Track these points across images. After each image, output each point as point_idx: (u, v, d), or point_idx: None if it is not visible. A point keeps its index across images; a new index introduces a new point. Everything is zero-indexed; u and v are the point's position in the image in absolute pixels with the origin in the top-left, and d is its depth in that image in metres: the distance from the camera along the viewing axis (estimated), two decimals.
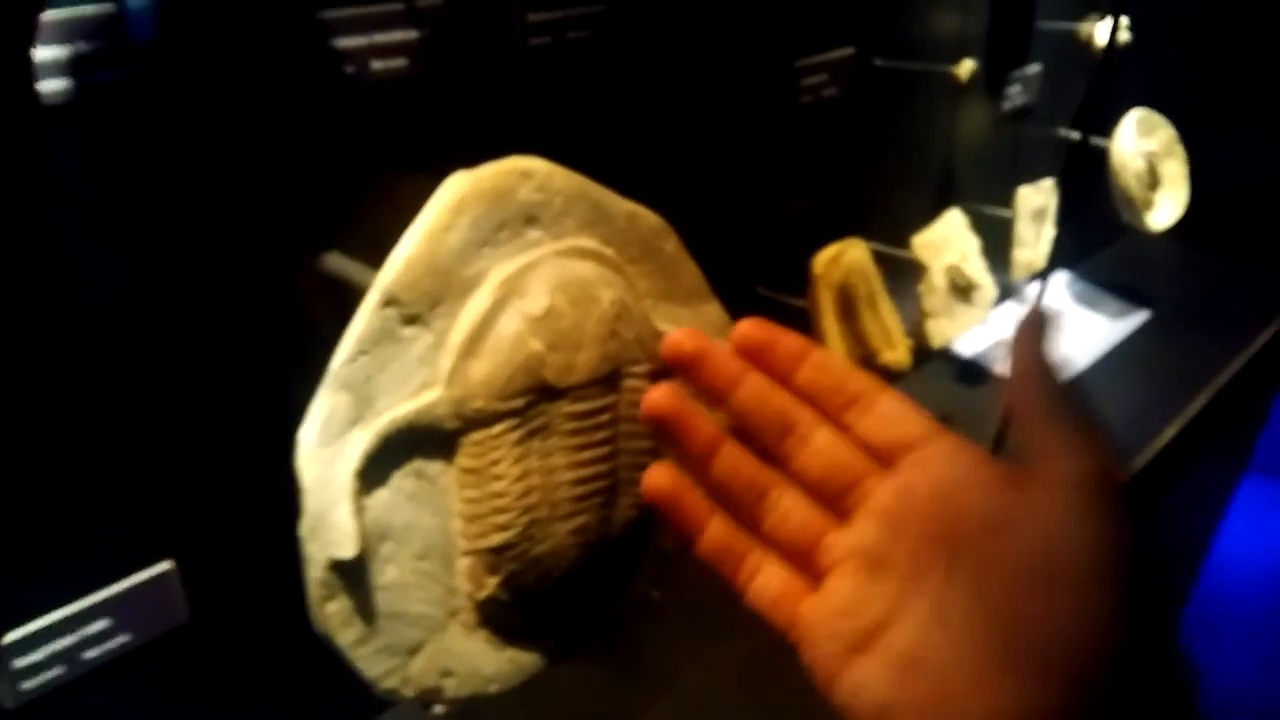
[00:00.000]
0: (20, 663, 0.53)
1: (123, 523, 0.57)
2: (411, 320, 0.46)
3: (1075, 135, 1.29)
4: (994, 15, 1.10)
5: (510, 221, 0.48)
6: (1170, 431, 1.20)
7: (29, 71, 0.46)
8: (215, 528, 0.60)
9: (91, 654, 0.56)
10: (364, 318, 0.45)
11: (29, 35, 0.45)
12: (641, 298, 0.54)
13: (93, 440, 0.54)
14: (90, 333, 0.52)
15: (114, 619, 0.57)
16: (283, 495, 0.46)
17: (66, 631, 0.55)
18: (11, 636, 0.53)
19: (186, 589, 0.59)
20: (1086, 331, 1.40)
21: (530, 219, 0.49)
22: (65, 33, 0.46)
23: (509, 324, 0.48)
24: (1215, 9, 1.54)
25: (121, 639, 0.57)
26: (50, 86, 0.47)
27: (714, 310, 0.59)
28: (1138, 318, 1.43)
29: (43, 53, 0.46)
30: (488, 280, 0.48)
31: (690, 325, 0.56)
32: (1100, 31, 1.18)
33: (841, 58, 0.91)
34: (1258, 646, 2.08)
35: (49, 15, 0.46)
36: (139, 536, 0.58)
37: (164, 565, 0.58)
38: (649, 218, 0.55)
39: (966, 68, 0.99)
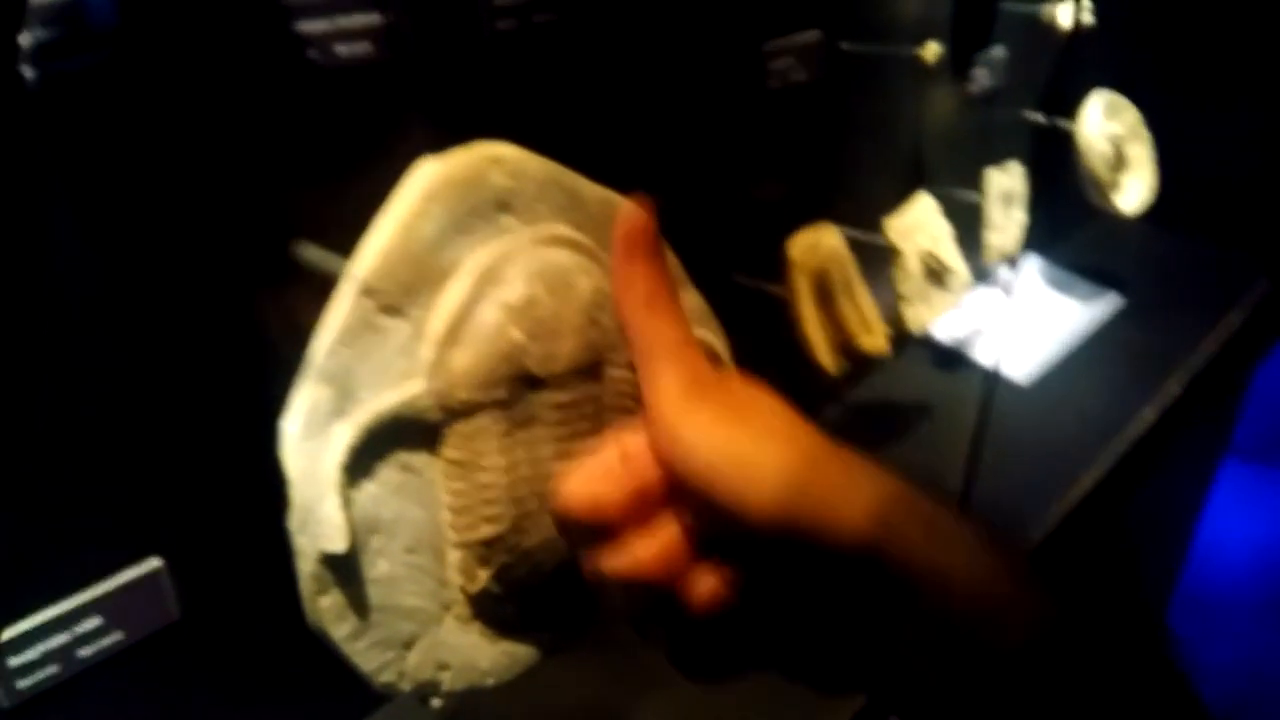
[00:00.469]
0: (14, 661, 0.53)
1: (110, 520, 0.57)
2: (389, 310, 0.46)
3: (1041, 118, 1.30)
4: None
5: (483, 208, 0.48)
6: (1148, 416, 1.21)
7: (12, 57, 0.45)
8: (204, 524, 0.60)
9: (85, 652, 0.56)
10: (341, 308, 0.45)
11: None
12: None
13: (78, 438, 0.54)
14: (73, 329, 0.52)
15: (105, 617, 0.57)
16: (270, 490, 0.46)
17: (59, 630, 0.55)
18: (5, 635, 0.53)
19: (177, 586, 0.59)
20: (1059, 316, 1.41)
21: (503, 205, 0.49)
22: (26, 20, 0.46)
23: (488, 314, 0.48)
24: None
25: (114, 637, 0.57)
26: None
27: (692, 298, 0.59)
28: (1110, 301, 1.45)
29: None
30: (464, 269, 0.48)
31: None
32: (1063, 14, 1.20)
33: (809, 42, 0.91)
34: (1242, 630, 2.10)
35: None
36: (127, 533, 0.57)
37: (154, 562, 0.58)
38: (623, 204, 0.55)
39: (932, 51, 1.00)
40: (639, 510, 0.42)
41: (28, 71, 0.46)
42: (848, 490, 0.38)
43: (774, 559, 0.39)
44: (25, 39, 0.46)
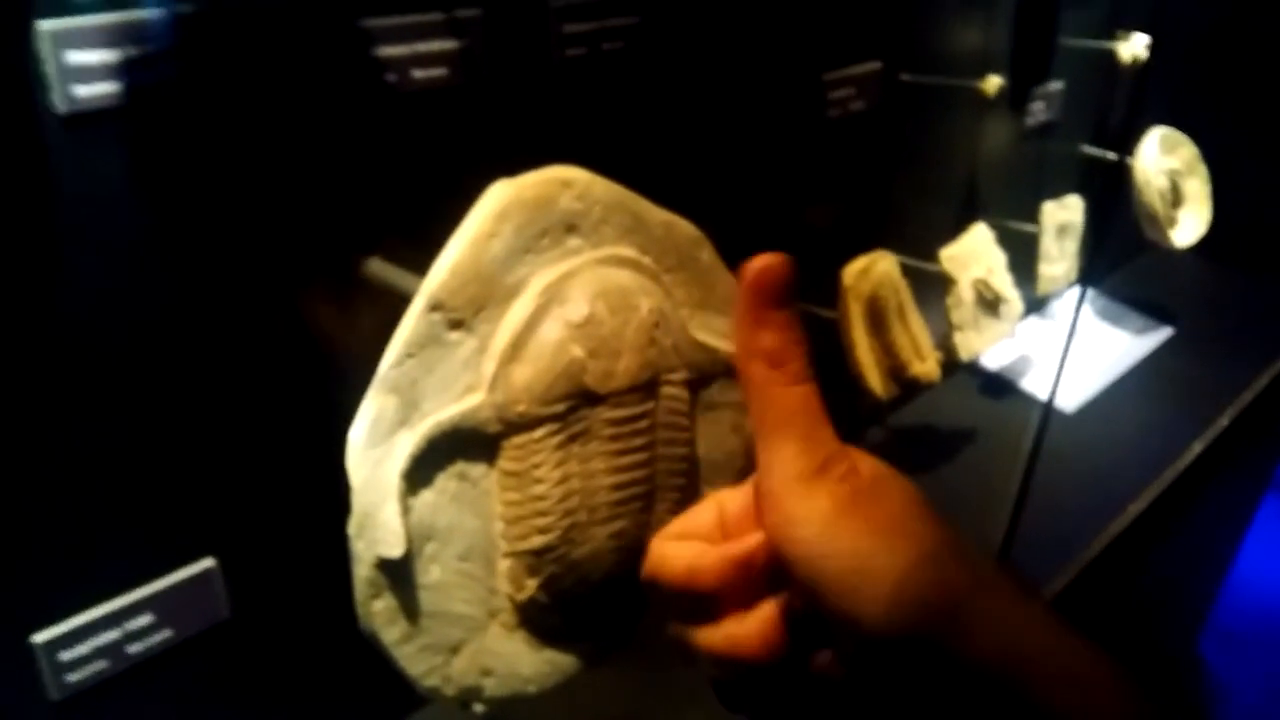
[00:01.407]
0: (65, 656, 0.54)
1: (166, 520, 0.58)
2: (456, 325, 0.47)
3: (1100, 152, 1.29)
4: (1018, 31, 1.11)
5: (551, 229, 0.49)
6: (1195, 448, 1.20)
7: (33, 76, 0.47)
8: (256, 526, 0.61)
9: (134, 649, 0.57)
10: (410, 322, 0.46)
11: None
12: (678, 306, 0.54)
13: (139, 438, 0.55)
14: (139, 333, 0.54)
15: (157, 615, 0.58)
16: (323, 494, 0.47)
17: (110, 626, 0.56)
18: (57, 630, 0.54)
19: (228, 586, 0.60)
20: (1110, 347, 1.39)
21: (570, 227, 0.50)
22: (107, 38, 0.48)
23: (550, 330, 0.49)
24: (1233, 27, 1.54)
25: (164, 635, 0.58)
26: (91, 90, 0.48)
27: None
28: (1161, 334, 1.43)
29: (82, 56, 0.47)
30: (529, 287, 0.49)
31: (726, 334, 0.57)
32: (1124, 49, 1.19)
33: (869, 72, 0.92)
34: (1274, 661, 2.07)
35: (87, 21, 0.47)
36: (182, 534, 0.58)
37: (206, 562, 0.59)
38: (685, 227, 0.55)
39: (994, 83, 1.00)
40: (738, 583, 0.39)
41: (110, 86, 0.48)
42: (974, 609, 0.34)
43: (886, 661, 0.35)
44: (106, 56, 0.47)
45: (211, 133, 0.53)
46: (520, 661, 0.53)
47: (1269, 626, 2.16)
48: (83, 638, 0.55)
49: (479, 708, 0.52)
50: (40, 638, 0.54)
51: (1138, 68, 1.19)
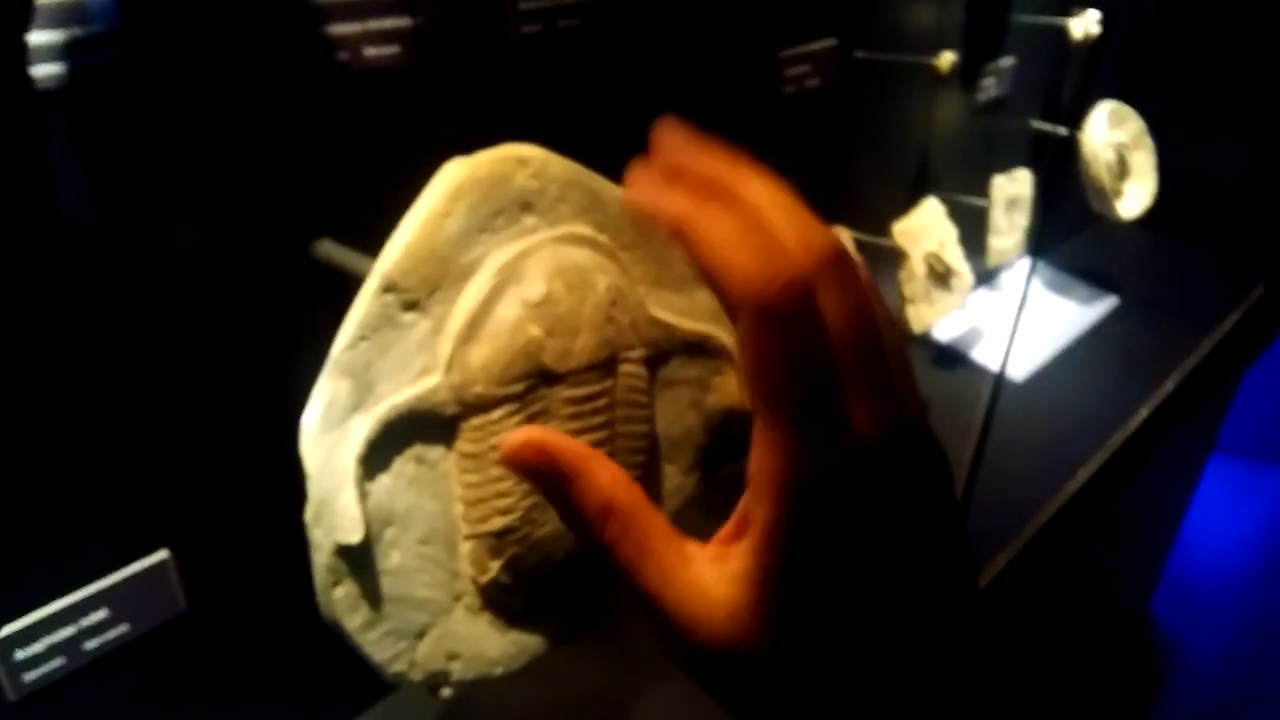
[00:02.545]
0: (21, 654, 0.53)
1: (118, 512, 0.57)
2: (411, 306, 0.47)
3: (1049, 127, 1.31)
4: (970, 8, 1.12)
5: (507, 208, 0.49)
6: (1142, 414, 1.23)
7: (23, 56, 0.45)
8: (210, 516, 0.60)
9: (91, 645, 0.56)
10: (364, 304, 0.46)
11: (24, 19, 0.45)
12: (635, 284, 0.54)
13: (87, 430, 0.54)
14: (83, 322, 0.52)
15: (112, 609, 0.57)
16: (276, 482, 0.46)
17: (65, 623, 0.55)
18: (11, 628, 0.53)
19: (183, 578, 0.59)
20: (1058, 317, 1.42)
21: (526, 205, 0.50)
22: (52, 18, 0.46)
23: (507, 310, 0.48)
24: (1181, 3, 1.57)
25: (120, 629, 0.57)
26: (39, 71, 0.47)
27: (705, 296, 0.59)
28: (1107, 303, 1.46)
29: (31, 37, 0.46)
30: (485, 266, 0.49)
31: (683, 311, 0.57)
32: (1075, 25, 1.20)
33: (824, 49, 0.92)
34: (1228, 619, 2.14)
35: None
36: (134, 526, 0.57)
37: (160, 554, 0.58)
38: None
39: (947, 60, 1.01)
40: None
41: (56, 68, 0.46)
42: None
43: None
44: (50, 36, 0.46)
45: (159, 113, 0.51)
46: (486, 644, 0.53)
47: (1218, 583, 2.23)
48: (37, 635, 0.54)
49: (446, 692, 0.52)
50: None
51: (1089, 43, 1.20)
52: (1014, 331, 1.15)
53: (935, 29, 1.08)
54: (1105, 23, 1.21)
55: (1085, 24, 1.20)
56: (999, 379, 1.10)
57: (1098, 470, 1.13)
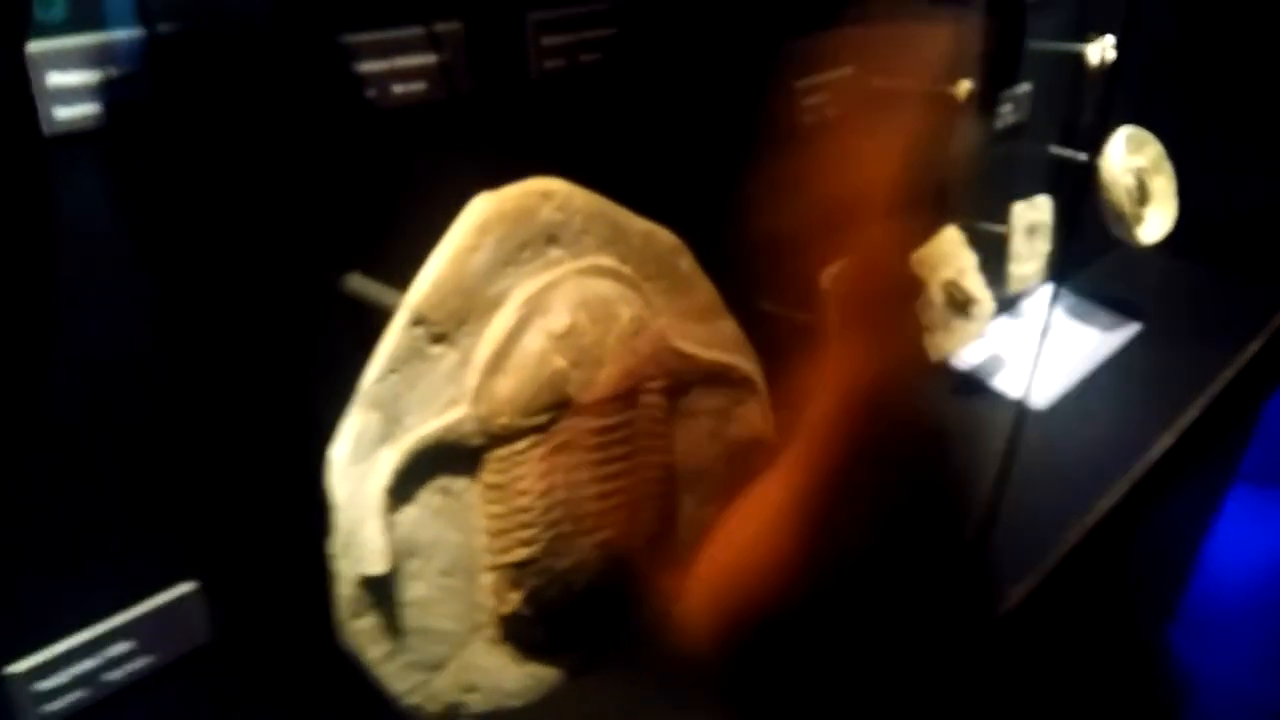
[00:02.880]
0: (43, 686, 0.53)
1: (144, 544, 0.57)
2: (439, 339, 0.47)
3: (1067, 153, 1.31)
4: (987, 36, 1.12)
5: (532, 241, 0.49)
6: (1164, 441, 1.21)
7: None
8: (235, 548, 0.60)
9: (114, 676, 0.56)
10: (393, 337, 0.46)
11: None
12: (658, 314, 0.55)
13: (114, 461, 0.54)
14: (115, 354, 0.53)
15: (136, 641, 0.56)
16: (301, 514, 0.46)
17: (89, 654, 0.55)
18: (34, 660, 0.53)
19: (208, 610, 0.60)
20: (1078, 344, 1.41)
21: (551, 238, 0.50)
22: (81, 59, 0.47)
23: (533, 341, 0.49)
24: (1199, 28, 1.57)
25: (144, 661, 0.57)
26: (69, 112, 0.47)
27: (729, 326, 0.60)
28: (1129, 330, 1.45)
29: (59, 78, 0.47)
30: (511, 299, 0.49)
31: (705, 341, 0.57)
32: (1091, 51, 1.20)
33: (841, 77, 0.92)
34: (1247, 651, 2.11)
35: (67, 43, 0.46)
36: (160, 558, 0.58)
37: (186, 586, 0.58)
38: (664, 236, 0.56)
39: (964, 88, 1.01)
40: None
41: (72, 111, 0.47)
42: None
43: None
44: (83, 77, 0.47)
45: (192, 151, 0.52)
46: (504, 676, 0.53)
47: (1237, 614, 2.20)
48: (61, 666, 0.54)
49: None
50: (17, 668, 0.53)
51: (1105, 69, 1.20)
52: (1037, 358, 1.14)
53: (952, 57, 1.08)
54: (1121, 48, 1.21)
55: (1101, 50, 1.20)
56: (1021, 407, 1.10)
57: (1120, 499, 1.12)
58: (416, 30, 0.57)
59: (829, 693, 0.42)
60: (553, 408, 0.49)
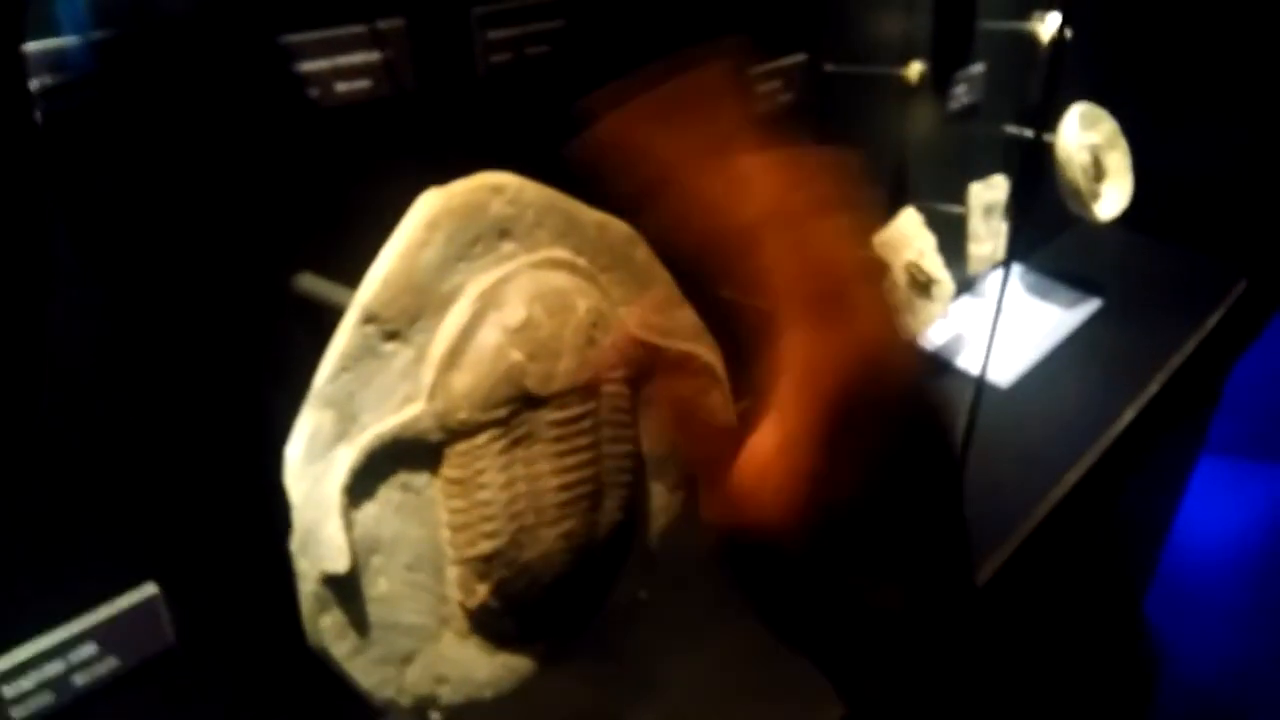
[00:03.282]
0: (9, 691, 0.53)
1: (105, 547, 0.57)
2: (392, 336, 0.47)
3: (1023, 132, 1.32)
4: (938, 17, 1.13)
5: (484, 236, 0.49)
6: (1128, 415, 1.23)
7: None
8: (197, 549, 0.60)
9: (80, 680, 0.56)
10: (344, 335, 0.46)
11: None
12: (615, 305, 0.55)
13: (72, 464, 0.54)
14: (71, 358, 0.52)
15: (101, 644, 0.56)
16: (264, 514, 0.46)
17: (54, 658, 0.55)
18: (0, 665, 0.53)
19: (171, 611, 0.59)
20: (1040, 321, 1.43)
21: (503, 232, 0.50)
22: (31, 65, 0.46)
23: (488, 336, 0.49)
24: (1150, 3, 1.58)
25: (110, 664, 0.57)
26: None
27: (687, 315, 0.60)
28: (1089, 306, 1.47)
29: None
30: (465, 294, 0.49)
31: (664, 331, 0.57)
32: (1042, 29, 1.22)
33: (793, 64, 0.93)
34: (1219, 620, 2.14)
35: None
36: (122, 560, 0.57)
37: (149, 588, 0.58)
38: (619, 227, 0.56)
39: (916, 70, 1.01)
40: None
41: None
42: None
43: None
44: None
45: (137, 153, 0.52)
46: (475, 667, 0.53)
47: (1211, 583, 2.24)
48: (26, 671, 0.54)
49: (435, 715, 0.52)
50: None
51: (1056, 45, 1.21)
52: (992, 336, 1.15)
53: (905, 39, 1.09)
54: (1073, 24, 1.22)
55: (1052, 26, 1.21)
56: (979, 384, 1.11)
57: (1085, 473, 1.14)
58: (359, 28, 0.56)
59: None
60: (511, 401, 0.49)
